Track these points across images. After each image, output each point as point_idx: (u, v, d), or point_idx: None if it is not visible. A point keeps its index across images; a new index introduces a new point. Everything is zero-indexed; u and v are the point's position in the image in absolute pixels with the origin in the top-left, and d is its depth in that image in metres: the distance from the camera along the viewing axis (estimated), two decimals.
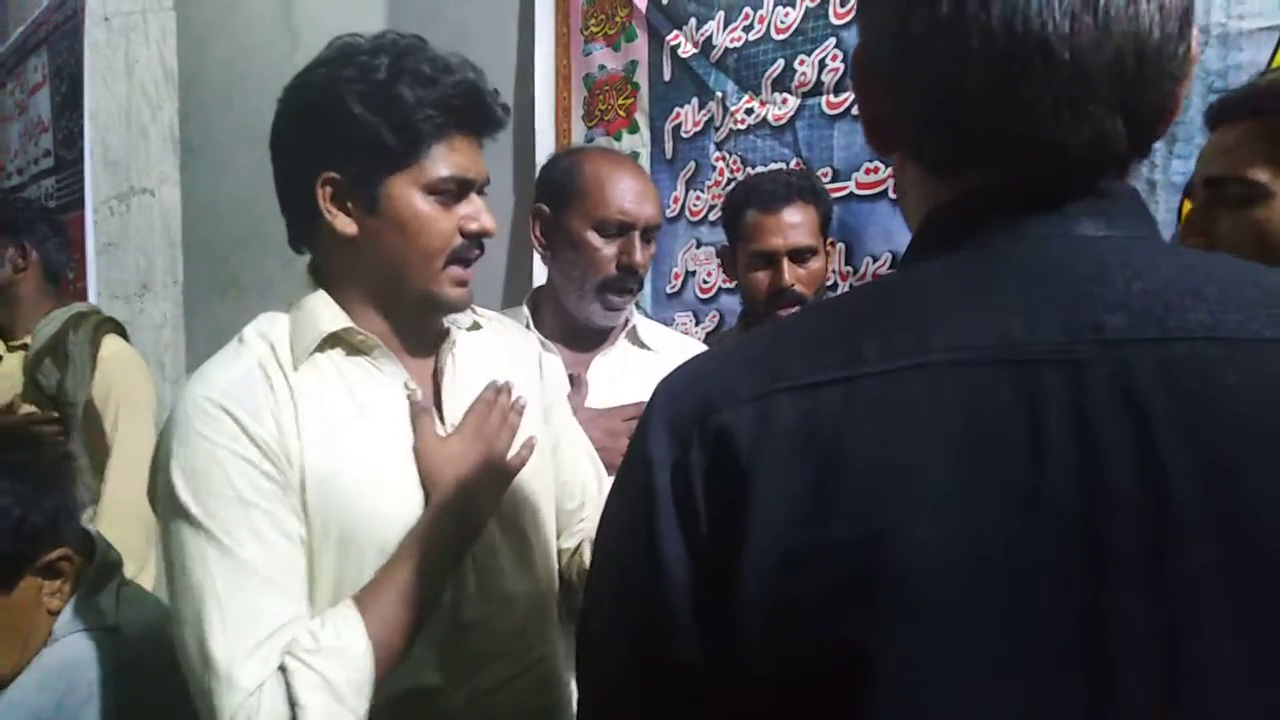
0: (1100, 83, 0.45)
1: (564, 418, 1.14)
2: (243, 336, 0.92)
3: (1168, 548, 0.41)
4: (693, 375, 0.53)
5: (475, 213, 0.92)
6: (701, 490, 0.47)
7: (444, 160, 0.90)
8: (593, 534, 1.08)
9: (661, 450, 0.49)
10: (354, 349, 0.93)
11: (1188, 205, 1.06)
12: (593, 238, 1.29)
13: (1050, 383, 0.43)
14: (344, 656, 0.79)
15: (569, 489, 1.11)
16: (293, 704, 0.76)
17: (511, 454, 0.95)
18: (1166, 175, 1.28)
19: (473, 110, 0.91)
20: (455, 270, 0.92)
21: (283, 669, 0.78)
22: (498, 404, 0.95)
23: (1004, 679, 0.41)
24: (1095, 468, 0.42)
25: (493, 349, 1.04)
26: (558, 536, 1.10)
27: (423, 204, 0.89)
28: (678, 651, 0.48)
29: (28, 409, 1.98)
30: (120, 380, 2.04)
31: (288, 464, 0.85)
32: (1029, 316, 0.44)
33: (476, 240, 0.93)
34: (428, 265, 0.91)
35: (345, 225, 0.90)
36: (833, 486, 0.44)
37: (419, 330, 0.97)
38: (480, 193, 0.94)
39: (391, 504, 0.89)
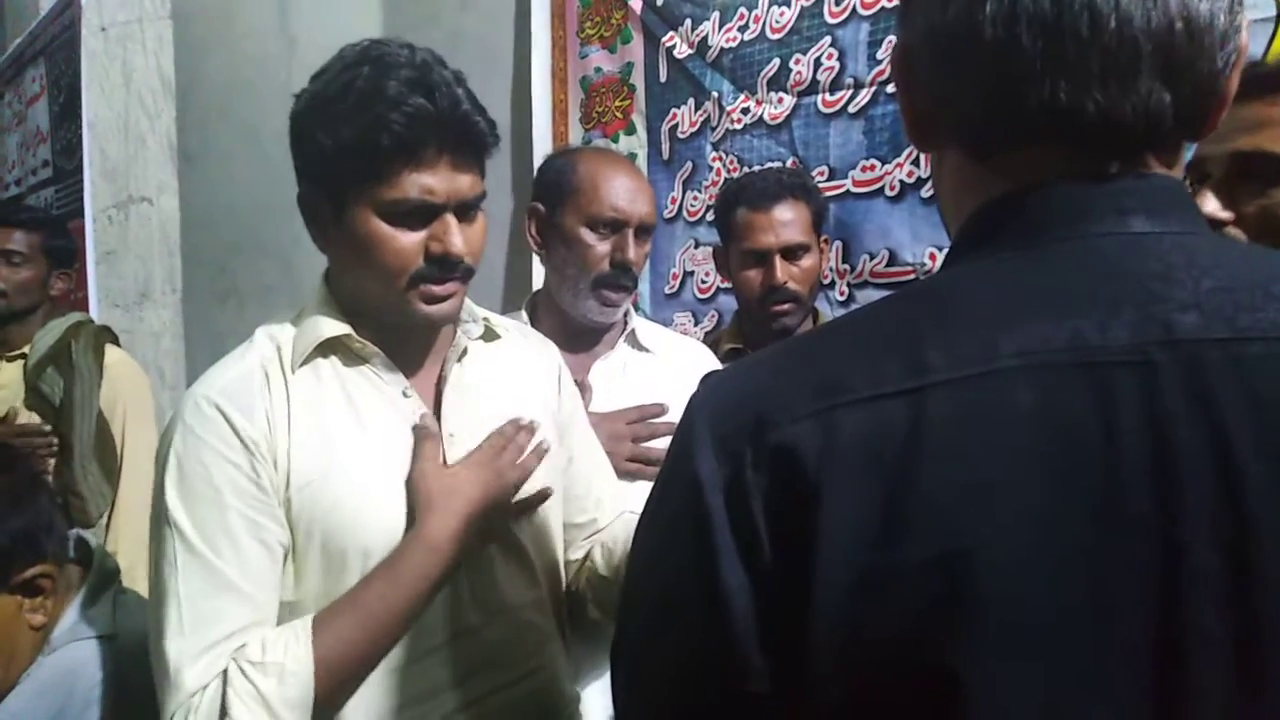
0: (1147, 52, 0.44)
1: (581, 432, 1.13)
2: (253, 338, 0.94)
3: (1246, 555, 0.40)
4: (738, 388, 0.49)
5: (442, 234, 0.88)
6: (762, 513, 0.44)
7: (405, 183, 0.86)
8: (604, 537, 1.09)
9: (710, 470, 0.46)
10: (355, 355, 0.93)
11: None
12: (586, 234, 1.29)
13: (1124, 386, 0.42)
14: (283, 673, 0.79)
15: (581, 504, 1.10)
16: (224, 712, 0.77)
17: (520, 496, 0.94)
18: None
19: (443, 132, 0.86)
20: (425, 289, 0.89)
21: (225, 675, 0.79)
22: (515, 441, 0.94)
23: (1089, 696, 0.40)
24: (1171, 475, 0.41)
25: (508, 361, 1.03)
26: (567, 549, 1.09)
27: (378, 226, 0.87)
28: (743, 683, 0.45)
29: (27, 417, 1.99)
30: (126, 388, 2.07)
31: (274, 467, 0.86)
32: (1100, 317, 0.43)
33: (444, 262, 0.89)
34: (387, 286, 0.89)
35: (318, 239, 0.93)
36: (907, 504, 0.42)
37: (416, 339, 0.97)
38: (464, 212, 0.90)
39: (378, 512, 0.88)
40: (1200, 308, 0.43)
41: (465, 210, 0.91)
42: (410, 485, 0.89)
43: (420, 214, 0.88)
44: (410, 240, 0.88)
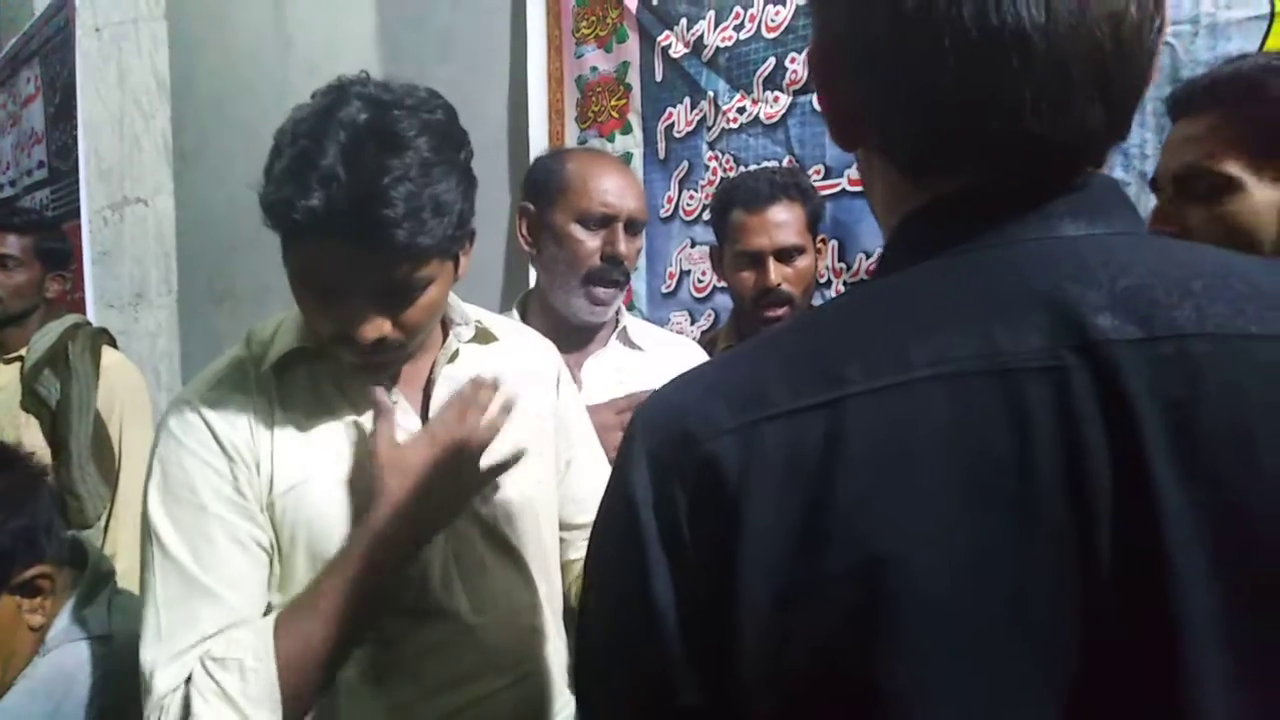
0: (1078, 71, 0.43)
1: (583, 433, 1.13)
2: (245, 338, 0.94)
3: (1154, 556, 0.39)
4: (670, 406, 0.49)
5: (347, 318, 0.83)
6: (688, 529, 0.45)
7: (308, 261, 0.82)
8: None
9: (644, 488, 0.47)
10: (338, 360, 0.91)
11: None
12: (576, 230, 1.30)
13: (1037, 392, 0.41)
14: (244, 669, 0.79)
15: (584, 504, 1.09)
16: (187, 710, 0.78)
17: (492, 460, 0.89)
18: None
19: (342, 231, 0.78)
20: (343, 349, 0.86)
21: (189, 676, 0.79)
22: (475, 401, 0.88)
23: (1011, 703, 0.40)
24: (1083, 478, 0.40)
25: (504, 363, 1.02)
26: (568, 549, 1.09)
27: (298, 286, 0.85)
28: (678, 696, 0.46)
29: (26, 419, 1.99)
30: (123, 390, 2.07)
31: (255, 471, 0.86)
32: (1013, 324, 0.43)
33: (354, 343, 0.84)
34: (319, 335, 0.87)
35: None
36: (825, 516, 0.42)
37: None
38: (391, 295, 0.83)
39: (354, 508, 0.88)
40: (1113, 308, 0.42)
41: (393, 294, 0.84)
42: (371, 466, 0.86)
43: (325, 292, 0.83)
44: (321, 307, 0.84)
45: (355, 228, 0.77)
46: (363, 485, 0.89)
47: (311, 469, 0.87)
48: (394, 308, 0.84)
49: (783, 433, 0.44)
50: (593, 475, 1.12)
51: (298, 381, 0.91)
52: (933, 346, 0.43)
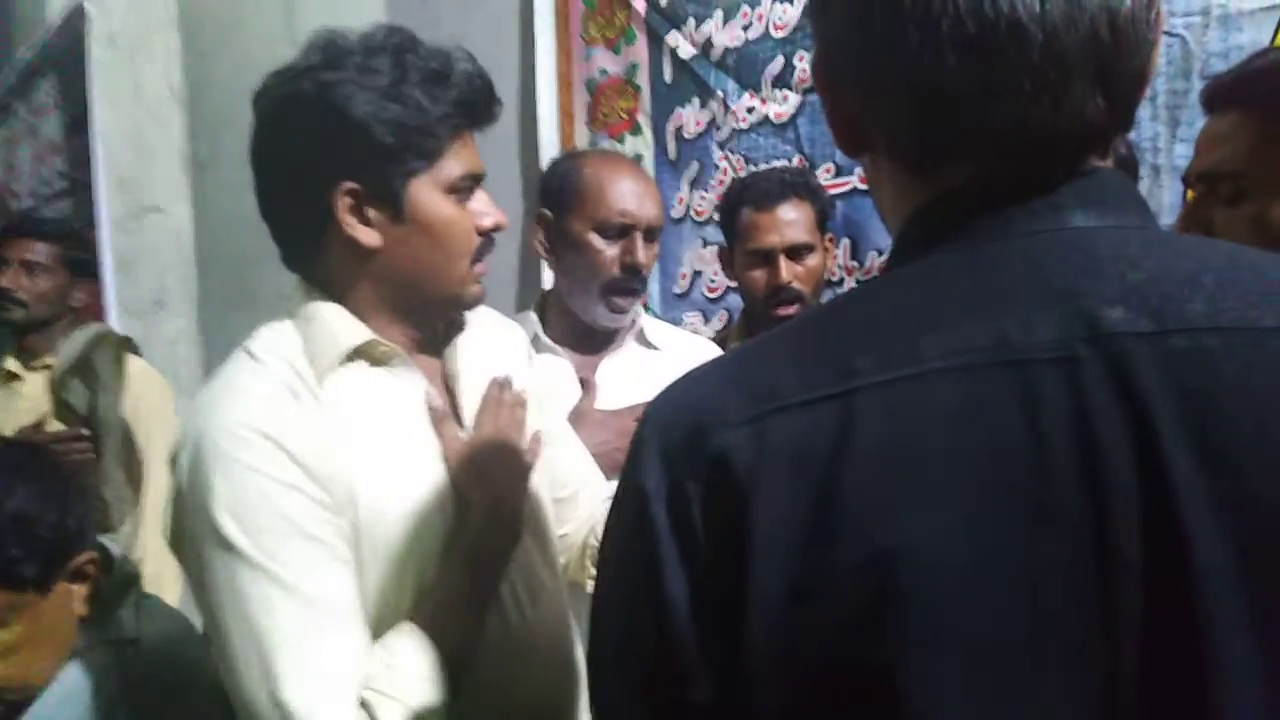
0: (1076, 61, 0.44)
1: (553, 407, 1.15)
2: (255, 355, 0.86)
3: (1174, 548, 0.40)
4: (682, 399, 0.50)
5: (485, 208, 0.91)
6: (700, 521, 0.45)
7: (458, 158, 0.88)
8: (601, 522, 1.08)
9: (655, 480, 0.47)
10: (374, 360, 0.89)
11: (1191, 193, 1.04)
12: (595, 239, 1.30)
13: (1049, 384, 0.42)
14: (419, 679, 0.79)
15: (562, 477, 1.10)
16: None
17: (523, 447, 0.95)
18: (1170, 159, 1.27)
19: (479, 103, 0.90)
20: (478, 268, 0.93)
21: (364, 704, 0.77)
22: (503, 399, 0.95)
23: (1026, 697, 0.41)
24: (1097, 470, 0.40)
25: (486, 345, 1.03)
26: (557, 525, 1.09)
27: (446, 206, 0.88)
28: (688, 691, 0.46)
29: (56, 426, 2.02)
30: (148, 397, 2.11)
31: (334, 485, 0.82)
32: (1024, 316, 0.43)
33: (491, 236, 0.92)
34: (457, 266, 0.90)
35: (369, 237, 0.86)
36: (835, 509, 0.42)
37: (434, 334, 0.97)
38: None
39: (426, 514, 0.87)
40: (1126, 301, 0.42)
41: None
42: (447, 466, 0.89)
43: (472, 189, 0.90)
44: (468, 218, 0.90)
45: (488, 96, 0.90)
46: (426, 485, 0.88)
47: (383, 476, 0.86)
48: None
49: (792, 425, 0.44)
50: (564, 447, 1.12)
51: (341, 390, 0.87)
52: (944, 338, 0.43)
